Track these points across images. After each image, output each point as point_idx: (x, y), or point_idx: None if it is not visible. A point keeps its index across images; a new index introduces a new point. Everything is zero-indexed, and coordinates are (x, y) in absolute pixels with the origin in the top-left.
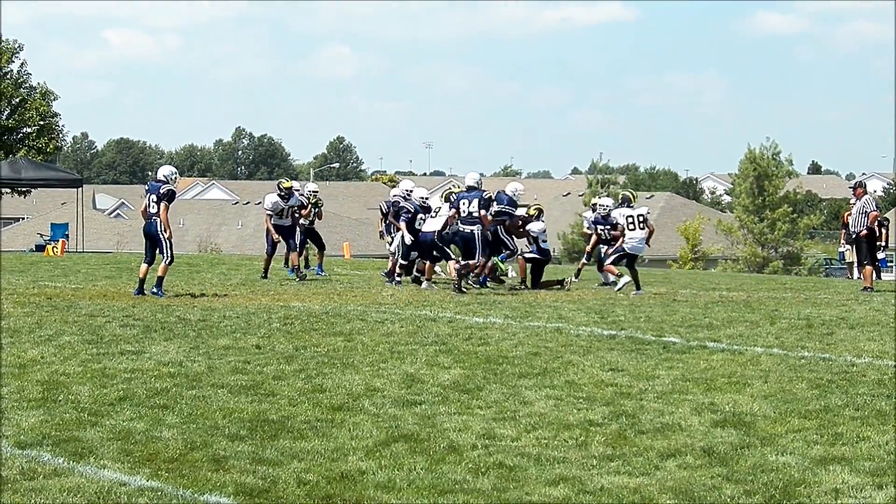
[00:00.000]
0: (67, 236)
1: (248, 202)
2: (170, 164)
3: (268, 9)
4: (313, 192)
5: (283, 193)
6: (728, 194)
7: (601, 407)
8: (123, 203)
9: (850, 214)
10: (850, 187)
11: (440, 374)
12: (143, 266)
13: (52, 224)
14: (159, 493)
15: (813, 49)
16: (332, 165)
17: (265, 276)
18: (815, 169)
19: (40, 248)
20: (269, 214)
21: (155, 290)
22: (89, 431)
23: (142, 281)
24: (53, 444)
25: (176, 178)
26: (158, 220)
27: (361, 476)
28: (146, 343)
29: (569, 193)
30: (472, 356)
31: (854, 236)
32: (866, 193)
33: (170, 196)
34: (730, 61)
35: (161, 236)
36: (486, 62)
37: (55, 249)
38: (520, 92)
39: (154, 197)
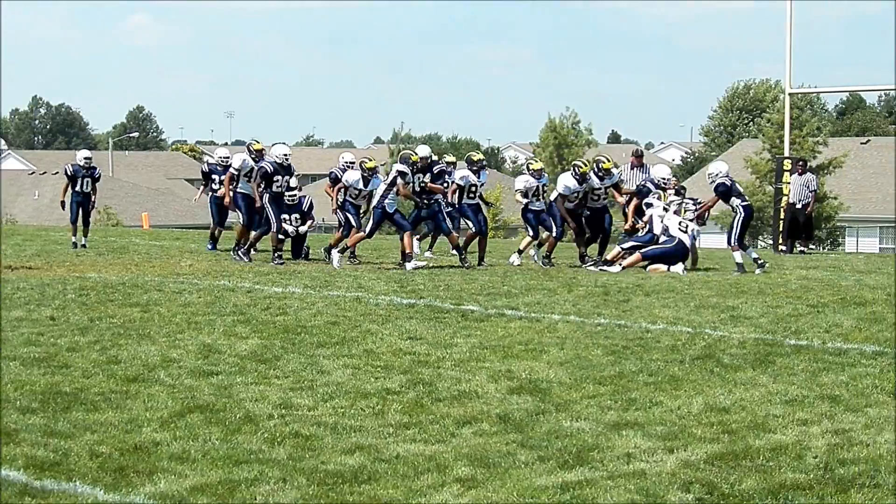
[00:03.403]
0: None
1: (45, 172)
2: None
3: None
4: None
5: (255, 156)
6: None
7: (399, 375)
8: None
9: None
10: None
11: (238, 344)
12: None
13: None
14: None
15: (615, 21)
16: (131, 135)
17: (214, 247)
18: (614, 138)
19: None
20: (234, 175)
21: None
22: None
23: None
24: None
25: None
26: None
27: (155, 447)
28: None
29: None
30: (270, 326)
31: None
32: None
33: None
34: (533, 32)
35: None
36: (292, 32)
37: None
38: (322, 61)
39: None
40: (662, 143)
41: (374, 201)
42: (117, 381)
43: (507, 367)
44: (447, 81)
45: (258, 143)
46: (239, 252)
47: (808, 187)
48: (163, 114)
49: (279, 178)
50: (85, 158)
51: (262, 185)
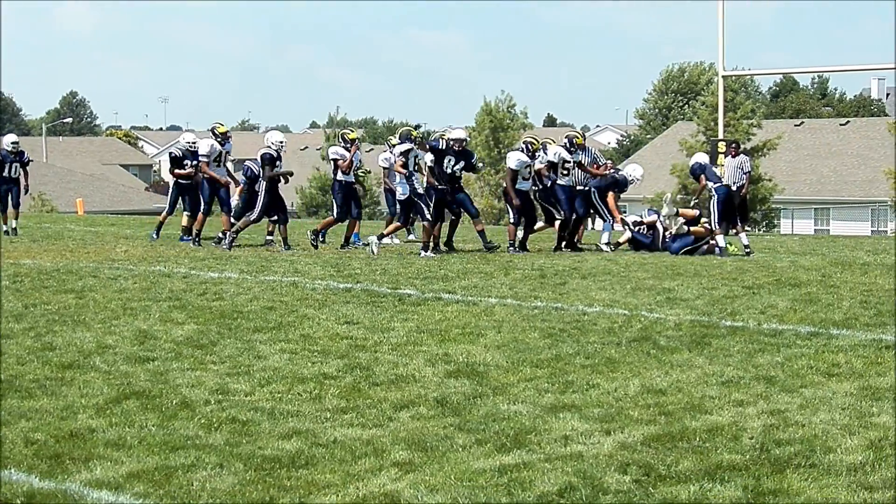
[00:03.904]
0: None
1: None
2: None
3: None
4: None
5: (220, 139)
6: None
7: (336, 360)
8: None
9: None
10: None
11: (174, 329)
12: None
13: None
14: None
15: (550, 5)
16: (65, 121)
17: (197, 241)
18: (550, 121)
19: None
20: (205, 161)
21: None
22: None
23: None
24: None
25: None
26: None
27: (91, 434)
28: None
29: (306, 147)
30: (206, 311)
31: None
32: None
33: None
34: (468, 17)
35: None
36: (226, 17)
37: None
38: (256, 45)
39: None
40: (598, 126)
41: (401, 190)
42: (52, 368)
43: (445, 350)
44: (382, 66)
45: (222, 125)
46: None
47: (741, 169)
48: (97, 99)
49: (279, 164)
50: (12, 143)
51: (265, 172)
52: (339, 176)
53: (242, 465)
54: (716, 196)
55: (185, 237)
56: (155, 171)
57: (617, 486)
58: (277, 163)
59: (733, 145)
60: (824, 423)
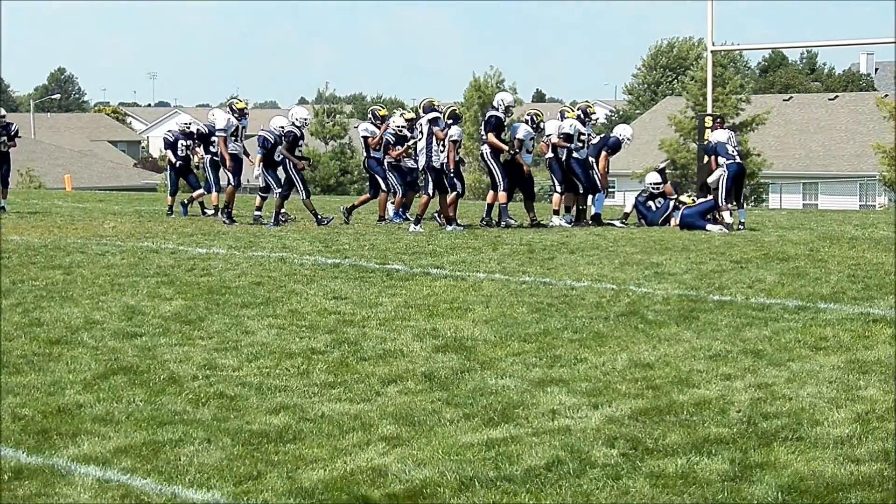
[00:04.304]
0: None
1: None
2: None
3: None
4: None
5: (237, 115)
6: None
7: (324, 335)
8: None
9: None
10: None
11: (161, 305)
12: None
13: None
14: None
15: None
16: (53, 97)
17: (230, 218)
18: (539, 97)
19: None
20: (223, 135)
21: None
22: None
23: None
24: None
25: None
26: None
27: (79, 409)
28: None
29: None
30: (194, 287)
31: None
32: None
33: None
34: None
35: None
36: None
37: None
38: (244, 21)
39: None
40: (587, 101)
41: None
42: (40, 344)
43: (433, 325)
44: (371, 41)
45: (241, 101)
46: (227, 214)
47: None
48: (85, 75)
49: (302, 143)
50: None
51: (288, 151)
52: (372, 153)
53: (230, 440)
54: (727, 172)
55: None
56: (143, 148)
57: (604, 459)
58: (300, 141)
59: (718, 120)
60: (811, 396)
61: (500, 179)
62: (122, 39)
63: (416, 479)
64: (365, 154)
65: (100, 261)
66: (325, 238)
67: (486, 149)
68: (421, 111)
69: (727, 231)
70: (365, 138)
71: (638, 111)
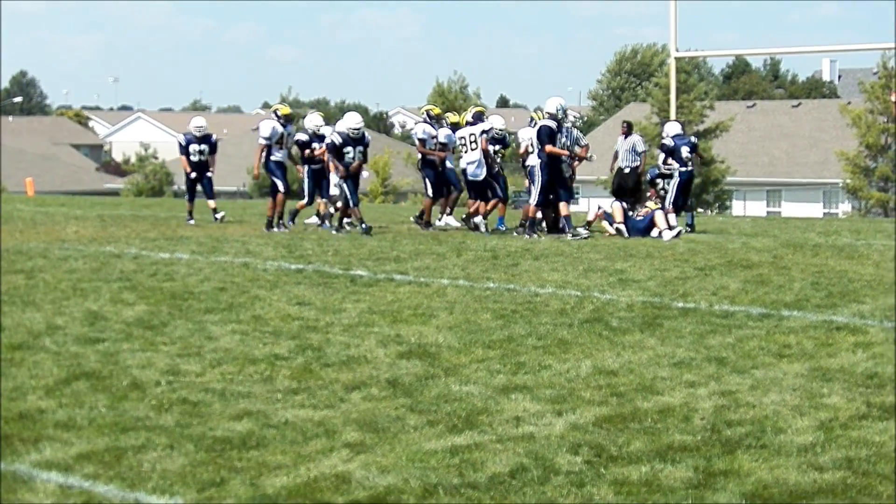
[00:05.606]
0: None
1: None
2: None
3: None
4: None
5: (282, 121)
6: None
7: (287, 341)
8: None
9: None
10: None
11: (124, 310)
12: None
13: None
14: None
15: None
16: (14, 100)
17: (283, 223)
18: (503, 102)
19: None
20: (266, 145)
21: None
22: None
23: None
24: None
25: None
26: None
27: (41, 415)
28: None
29: (257, 128)
30: (157, 292)
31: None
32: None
33: None
34: None
35: None
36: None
37: None
38: (207, 25)
39: None
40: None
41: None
42: (1, 349)
43: (397, 331)
44: (334, 46)
45: (285, 107)
46: (284, 222)
47: (634, 150)
48: (47, 79)
49: (350, 149)
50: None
51: (333, 158)
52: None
53: (193, 447)
54: (678, 179)
55: (324, 224)
56: (106, 151)
57: (568, 466)
58: (346, 149)
59: (624, 125)
60: (775, 403)
61: (538, 194)
62: (83, 41)
63: (379, 486)
64: (420, 156)
65: (62, 265)
66: (289, 244)
67: (536, 160)
68: (470, 118)
69: (676, 237)
70: (422, 140)
71: (602, 117)
